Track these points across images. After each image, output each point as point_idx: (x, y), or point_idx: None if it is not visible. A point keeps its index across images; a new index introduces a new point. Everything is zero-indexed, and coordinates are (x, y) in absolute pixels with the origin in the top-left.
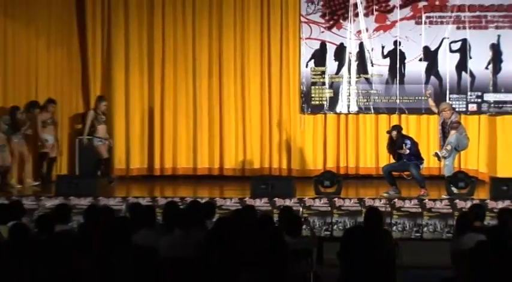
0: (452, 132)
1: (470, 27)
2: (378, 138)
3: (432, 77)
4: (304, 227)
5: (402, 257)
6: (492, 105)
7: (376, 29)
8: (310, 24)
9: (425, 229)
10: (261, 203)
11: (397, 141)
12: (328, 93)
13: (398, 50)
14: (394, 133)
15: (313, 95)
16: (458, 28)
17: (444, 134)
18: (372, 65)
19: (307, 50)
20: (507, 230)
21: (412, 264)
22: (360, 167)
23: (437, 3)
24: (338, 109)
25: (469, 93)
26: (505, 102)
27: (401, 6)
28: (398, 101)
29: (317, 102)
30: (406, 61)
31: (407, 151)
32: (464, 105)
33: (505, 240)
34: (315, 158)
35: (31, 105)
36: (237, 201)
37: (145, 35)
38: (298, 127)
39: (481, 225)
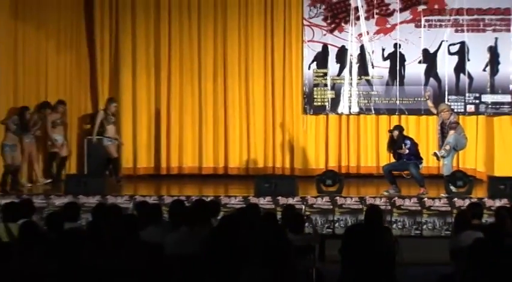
0: (451, 132)
1: (468, 30)
2: (379, 138)
3: (431, 79)
4: (306, 224)
5: (402, 253)
6: (490, 106)
7: (377, 32)
8: (313, 28)
9: (424, 227)
10: (264, 202)
11: (397, 141)
12: (330, 94)
13: (398, 53)
14: (396, 133)
15: (315, 96)
16: (456, 31)
17: (443, 134)
18: (373, 67)
19: (310, 52)
20: (504, 227)
21: (412, 261)
22: (360, 166)
23: (436, 7)
24: (339, 110)
25: (467, 95)
26: (502, 103)
27: (401, 10)
28: (398, 102)
29: (319, 103)
30: (405, 63)
31: (407, 151)
32: (463, 106)
33: (502, 237)
34: (317, 158)
35: (42, 105)
36: (241, 200)
37: (152, 39)
38: (300, 127)
39: (478, 223)
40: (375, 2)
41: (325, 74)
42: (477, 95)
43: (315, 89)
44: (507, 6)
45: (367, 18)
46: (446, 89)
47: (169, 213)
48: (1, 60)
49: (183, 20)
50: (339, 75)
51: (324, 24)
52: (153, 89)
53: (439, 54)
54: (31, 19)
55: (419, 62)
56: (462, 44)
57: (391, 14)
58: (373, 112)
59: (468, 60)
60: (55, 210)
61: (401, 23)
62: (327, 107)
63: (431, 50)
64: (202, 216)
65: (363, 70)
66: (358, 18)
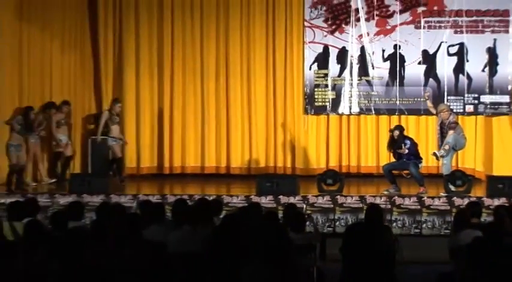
0: (450, 132)
1: (467, 32)
2: (379, 138)
3: (431, 80)
4: (307, 223)
5: (402, 252)
6: (488, 106)
7: (377, 33)
8: (314, 29)
9: (424, 225)
10: (266, 201)
11: (397, 141)
12: (330, 95)
13: (398, 54)
14: (397, 133)
15: (316, 97)
16: (455, 32)
17: (442, 134)
18: (373, 68)
19: (311, 53)
20: (503, 226)
21: (412, 259)
22: (361, 166)
23: (435, 8)
24: (340, 110)
25: (466, 95)
26: (500, 103)
27: (401, 12)
28: (398, 102)
29: (320, 104)
30: (405, 64)
31: (406, 151)
32: (462, 107)
33: (501, 236)
34: (318, 157)
35: (47, 106)
36: (243, 199)
37: (155, 39)
38: (302, 127)
39: (477, 222)
40: (375, 3)
41: (326, 75)
42: (476, 95)
43: (316, 89)
44: (505, 8)
45: (367, 20)
46: (446, 89)
47: (172, 212)
48: (6, 61)
49: (185, 20)
50: (339, 75)
51: (325, 25)
52: (156, 89)
53: (438, 55)
54: (36, 20)
55: (419, 63)
56: (461, 45)
57: (391, 15)
58: (373, 112)
59: (467, 61)
60: (59, 209)
61: (401, 24)
62: (328, 107)
63: (431, 51)
64: (205, 215)
65: (363, 71)
66: (358, 20)
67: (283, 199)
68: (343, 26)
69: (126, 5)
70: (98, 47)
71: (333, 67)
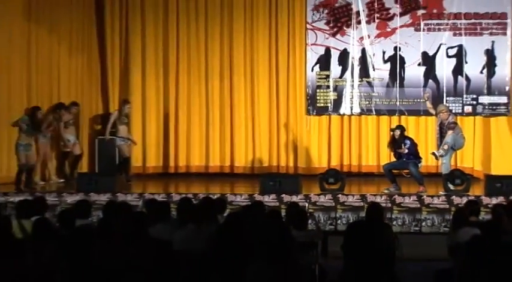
0: (449, 132)
1: (466, 34)
2: (379, 138)
3: (430, 81)
4: (309, 221)
5: (402, 249)
6: (486, 107)
7: (378, 36)
8: (316, 31)
9: (423, 223)
10: (269, 199)
11: (398, 141)
12: (332, 95)
13: (398, 55)
14: (397, 132)
15: (318, 98)
16: (454, 35)
17: (441, 134)
18: (374, 69)
19: (313, 55)
20: (501, 224)
21: (412, 257)
22: (362, 165)
23: (435, 11)
24: (341, 111)
25: (464, 96)
26: (498, 104)
27: (401, 14)
28: (398, 103)
29: (322, 104)
30: (405, 66)
31: (406, 151)
32: (460, 107)
33: (499, 234)
34: (320, 157)
35: (57, 106)
36: (246, 198)
37: (161, 41)
38: (304, 128)
39: (476, 220)
40: (376, 6)
41: (328, 76)
42: (474, 96)
43: (318, 90)
44: (503, 11)
45: (368, 22)
46: (445, 90)
47: (177, 210)
48: (15, 62)
49: (190, 23)
50: (341, 77)
51: (327, 28)
52: (162, 90)
53: (437, 57)
54: (44, 22)
55: (419, 65)
56: (460, 47)
57: (391, 18)
58: (374, 113)
59: (466, 62)
60: (67, 207)
61: (401, 26)
62: (330, 108)
63: (430, 53)
64: (209, 213)
65: (364, 72)
66: (359, 22)
67: (286, 198)
68: (345, 28)
69: (133, 8)
70: (105, 49)
71: (335, 69)
